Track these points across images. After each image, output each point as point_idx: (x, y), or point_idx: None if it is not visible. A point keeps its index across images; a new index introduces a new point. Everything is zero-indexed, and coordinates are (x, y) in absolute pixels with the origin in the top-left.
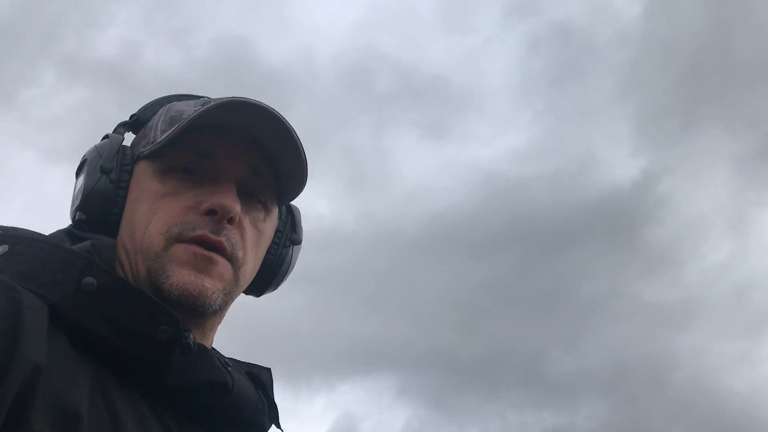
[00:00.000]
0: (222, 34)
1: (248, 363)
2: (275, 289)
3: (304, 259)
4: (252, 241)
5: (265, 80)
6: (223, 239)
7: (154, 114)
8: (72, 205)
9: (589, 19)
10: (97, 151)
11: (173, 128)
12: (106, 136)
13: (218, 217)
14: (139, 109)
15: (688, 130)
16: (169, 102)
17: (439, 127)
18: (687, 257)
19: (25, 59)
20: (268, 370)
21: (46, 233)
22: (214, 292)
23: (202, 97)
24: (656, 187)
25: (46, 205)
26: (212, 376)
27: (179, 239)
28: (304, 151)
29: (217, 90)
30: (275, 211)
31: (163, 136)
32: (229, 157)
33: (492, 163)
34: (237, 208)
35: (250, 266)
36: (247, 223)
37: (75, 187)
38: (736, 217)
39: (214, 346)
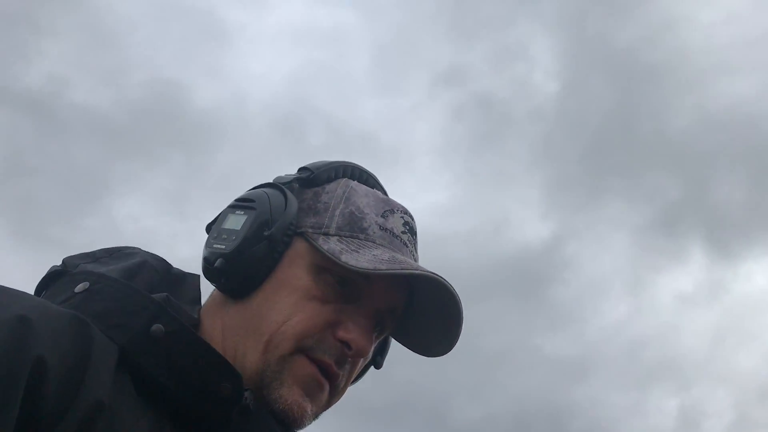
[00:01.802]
0: (155, 76)
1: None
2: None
3: None
4: (356, 369)
5: (195, 123)
6: (341, 373)
7: (329, 181)
8: (214, 237)
9: (509, 92)
10: (270, 207)
11: (361, 264)
12: (281, 190)
13: (350, 353)
14: (316, 167)
15: (593, 200)
16: (350, 174)
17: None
18: (588, 315)
19: None
20: None
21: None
22: (310, 417)
23: (378, 185)
24: (562, 250)
25: None
26: None
27: (307, 353)
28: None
29: (146, 131)
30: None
31: (350, 262)
32: (381, 289)
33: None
34: (370, 351)
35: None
36: None
37: (224, 220)
38: (632, 281)
39: None
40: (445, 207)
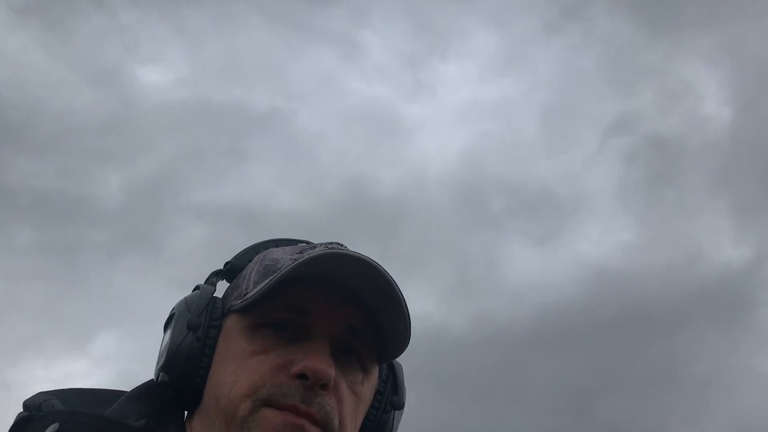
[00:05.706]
0: (346, 177)
1: None
2: None
3: (414, 358)
4: (350, 407)
5: (383, 209)
6: (315, 410)
7: (250, 261)
8: (157, 363)
9: (681, 129)
10: (186, 304)
11: (265, 282)
12: (197, 288)
13: (310, 383)
14: (234, 257)
15: None
16: (266, 248)
17: (547, 233)
18: None
19: (169, 211)
20: None
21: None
22: None
23: (301, 241)
24: (765, 270)
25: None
26: None
27: (268, 404)
28: (407, 306)
29: (342, 226)
30: (375, 372)
31: (255, 290)
32: (324, 314)
33: (600, 259)
34: (331, 372)
35: None
36: (344, 386)
37: (161, 343)
38: None
39: None
40: (633, 246)
